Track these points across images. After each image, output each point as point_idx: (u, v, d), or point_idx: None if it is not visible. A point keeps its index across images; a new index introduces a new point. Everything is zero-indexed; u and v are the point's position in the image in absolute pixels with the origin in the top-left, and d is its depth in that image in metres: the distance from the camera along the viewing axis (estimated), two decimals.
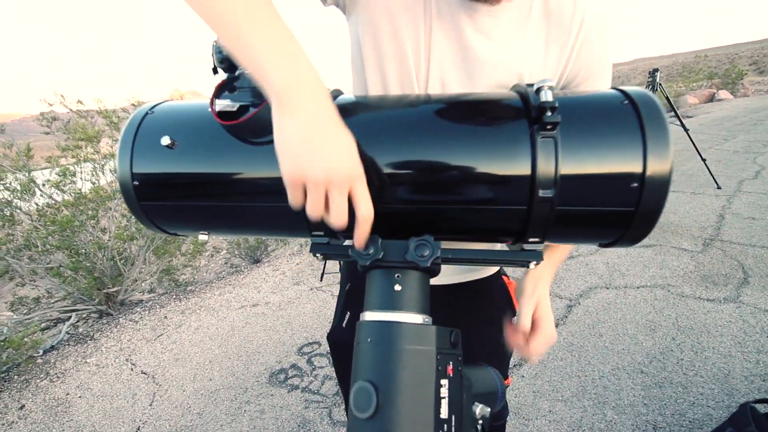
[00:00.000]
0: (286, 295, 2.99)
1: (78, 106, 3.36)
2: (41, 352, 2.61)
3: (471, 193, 0.48)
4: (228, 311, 2.84)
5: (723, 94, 14.53)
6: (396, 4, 0.64)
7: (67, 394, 2.17)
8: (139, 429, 1.86)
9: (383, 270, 0.49)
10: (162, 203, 0.55)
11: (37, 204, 3.24)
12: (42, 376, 2.35)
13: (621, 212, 0.47)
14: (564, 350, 2.05)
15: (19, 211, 3.19)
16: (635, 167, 0.45)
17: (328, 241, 0.53)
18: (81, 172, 3.25)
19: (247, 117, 0.47)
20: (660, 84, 4.04)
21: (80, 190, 3.19)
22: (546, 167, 0.45)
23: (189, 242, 3.85)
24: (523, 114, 0.47)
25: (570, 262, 2.98)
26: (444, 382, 0.48)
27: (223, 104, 0.50)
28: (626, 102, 0.48)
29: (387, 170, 0.48)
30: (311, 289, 3.01)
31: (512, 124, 0.47)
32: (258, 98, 0.49)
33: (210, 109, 0.50)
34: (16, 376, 2.35)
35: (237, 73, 0.51)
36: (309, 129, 0.43)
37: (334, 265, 2.70)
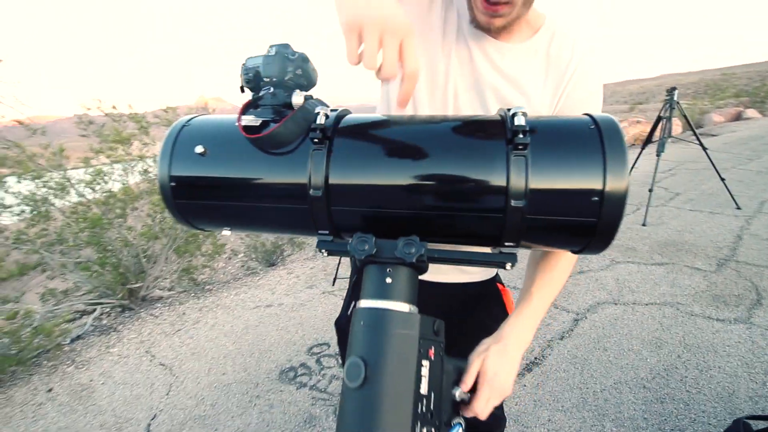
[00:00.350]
0: (299, 297, 3.08)
1: (111, 111, 3.58)
2: (68, 340, 2.77)
3: (454, 201, 0.57)
4: (243, 310, 2.95)
5: (751, 112, 14.15)
6: (429, 36, 0.77)
7: (91, 380, 2.30)
8: (155, 416, 1.97)
9: (377, 265, 0.58)
10: (194, 202, 0.65)
11: (69, 201, 3.44)
12: (68, 362, 2.50)
13: (584, 223, 0.54)
14: (567, 362, 2.08)
15: (53, 207, 3.40)
16: (596, 184, 0.52)
17: (332, 239, 0.62)
18: (112, 173, 3.45)
19: (268, 132, 0.57)
20: (678, 102, 4.03)
21: (110, 189, 3.38)
22: (517, 181, 0.52)
23: (209, 243, 4.01)
24: (502, 135, 0.55)
25: (579, 277, 3.00)
26: (425, 363, 0.56)
27: (248, 120, 0.59)
28: (593, 127, 0.56)
29: (382, 180, 0.57)
30: (323, 293, 3.10)
31: (491, 143, 0.56)
32: (278, 115, 0.59)
33: (237, 124, 0.59)
34: (45, 362, 2.51)
35: (261, 93, 0.61)
36: None
37: (345, 271, 2.79)
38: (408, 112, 0.83)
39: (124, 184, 3.44)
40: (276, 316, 2.82)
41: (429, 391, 0.55)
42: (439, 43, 0.79)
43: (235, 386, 2.13)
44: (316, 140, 0.56)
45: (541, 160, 0.53)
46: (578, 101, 0.78)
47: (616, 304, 2.59)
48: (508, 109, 0.57)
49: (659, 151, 4.00)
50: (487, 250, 0.79)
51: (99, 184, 3.42)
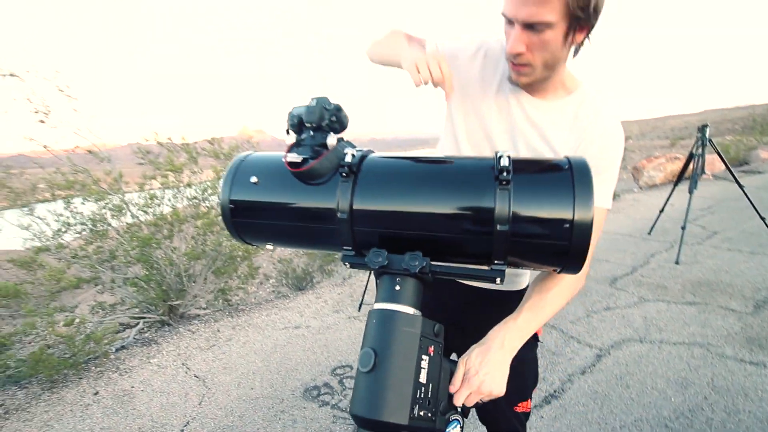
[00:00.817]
0: (326, 321, 3.21)
1: (166, 141, 3.98)
2: (114, 349, 3.01)
3: (452, 225, 0.70)
4: (272, 330, 3.11)
5: None
6: (468, 84, 0.99)
7: (132, 387, 2.49)
8: (188, 423, 2.12)
9: (389, 275, 0.71)
10: (247, 221, 0.81)
11: (124, 222, 3.79)
12: (113, 369, 2.71)
13: (558, 245, 0.66)
14: (587, 397, 2.07)
15: (110, 227, 3.76)
16: (567, 214, 0.64)
17: (354, 254, 0.76)
18: (163, 197, 3.79)
19: (307, 167, 0.73)
20: (710, 140, 4.00)
21: (161, 212, 3.71)
22: (502, 210, 0.65)
23: (244, 265, 4.24)
24: (491, 173, 0.69)
25: (605, 313, 2.96)
26: (425, 357, 0.68)
27: (292, 157, 0.75)
28: (567, 167, 0.69)
29: (395, 207, 0.71)
30: (349, 318, 3.22)
31: (483, 180, 0.69)
32: (315, 154, 0.75)
33: (283, 160, 0.75)
34: (93, 367, 2.74)
35: (303, 135, 0.77)
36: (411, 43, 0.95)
37: (370, 297, 2.90)
38: (450, 146, 1.04)
39: (173, 207, 3.76)
40: (303, 337, 2.95)
41: (427, 381, 0.67)
42: (478, 91, 0.98)
43: (261, 401, 2.25)
44: (344, 174, 0.71)
45: (523, 193, 0.66)
46: (592, 157, 0.86)
47: (641, 342, 2.55)
48: (497, 152, 0.70)
49: (691, 189, 3.95)
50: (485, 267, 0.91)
51: (151, 207, 3.76)
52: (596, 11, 0.78)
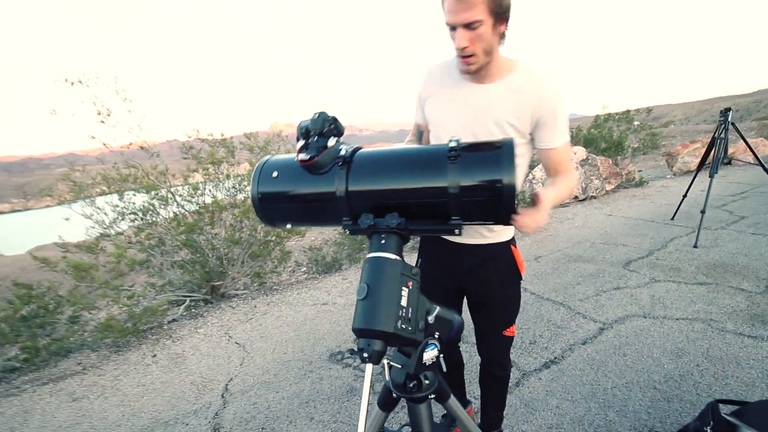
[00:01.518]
0: (350, 299, 3.51)
1: (207, 137, 4.38)
2: (166, 322, 3.44)
3: (420, 194, 0.95)
4: (303, 306, 3.44)
5: None
6: (437, 89, 1.31)
7: (184, 351, 2.89)
8: (231, 379, 2.48)
9: (377, 234, 0.97)
10: (272, 207, 1.08)
11: (172, 211, 4.22)
12: (167, 337, 3.13)
13: (494, 200, 0.91)
14: (584, 363, 2.26)
15: (159, 216, 4.21)
16: (498, 177, 0.89)
17: (351, 222, 1.02)
18: (205, 188, 4.20)
19: (313, 161, 0.99)
20: (732, 123, 3.97)
21: (204, 202, 4.12)
22: (453, 179, 0.90)
23: (277, 250, 4.61)
24: (446, 154, 0.93)
25: (614, 292, 3.10)
26: (404, 288, 0.93)
27: (302, 156, 1.02)
28: (499, 146, 0.93)
29: (378, 186, 0.97)
30: None
31: (440, 158, 0.93)
32: (318, 152, 1.01)
33: (296, 158, 1.02)
34: (150, 335, 3.17)
35: (309, 140, 1.03)
36: None
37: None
38: (435, 130, 1.36)
39: (213, 197, 4.16)
40: (330, 312, 3.27)
41: (407, 305, 0.93)
42: (437, 103, 1.31)
43: (293, 363, 2.58)
44: (340, 163, 0.98)
45: (467, 166, 0.91)
46: (547, 112, 1.20)
47: (645, 317, 2.69)
48: (450, 138, 0.95)
49: (712, 173, 3.95)
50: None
51: (194, 197, 4.18)
52: (508, 9, 1.11)
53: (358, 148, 1.04)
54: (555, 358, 2.35)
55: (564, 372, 2.21)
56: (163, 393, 2.42)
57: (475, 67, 1.16)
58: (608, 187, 6.71)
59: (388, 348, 0.95)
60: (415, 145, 1.23)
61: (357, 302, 0.93)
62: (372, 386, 0.97)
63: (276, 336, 2.96)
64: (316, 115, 0.99)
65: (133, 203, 4.18)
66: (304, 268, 5.95)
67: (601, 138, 7.47)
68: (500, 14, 1.09)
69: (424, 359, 1.01)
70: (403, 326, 0.91)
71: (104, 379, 2.64)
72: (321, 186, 1.00)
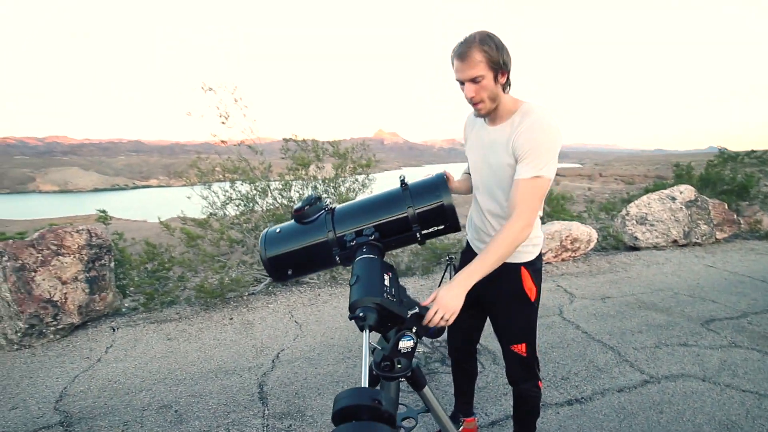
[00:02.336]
0: None
1: (300, 140, 5.03)
2: (246, 294, 4.06)
3: (389, 222, 1.23)
4: None
5: None
6: (470, 144, 1.57)
7: (254, 319, 3.43)
8: (283, 349, 2.90)
9: (360, 247, 1.25)
10: (281, 263, 1.38)
11: (268, 201, 4.92)
12: (244, 306, 3.72)
13: (440, 213, 1.20)
14: (611, 409, 2.19)
15: (257, 204, 4.94)
16: (443, 199, 1.17)
17: (340, 251, 1.31)
18: (294, 185, 4.82)
19: (301, 211, 1.33)
20: None
21: (291, 196, 4.74)
22: (411, 205, 1.18)
23: None
24: (401, 187, 1.24)
25: (677, 348, 2.85)
26: (386, 275, 1.18)
27: (295, 207, 1.37)
28: (435, 177, 1.23)
29: (358, 224, 1.28)
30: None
31: (398, 190, 1.24)
32: (304, 205, 1.34)
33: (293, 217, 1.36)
34: (232, 302, 3.80)
35: (302, 205, 1.36)
36: None
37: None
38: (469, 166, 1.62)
39: (299, 193, 4.76)
40: None
41: (390, 286, 1.17)
42: (470, 142, 1.57)
43: (336, 347, 2.92)
44: (326, 210, 1.33)
45: (416, 192, 1.26)
46: (520, 145, 1.34)
47: (704, 380, 2.46)
48: (400, 176, 1.25)
49: None
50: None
51: (287, 191, 4.82)
52: (506, 63, 1.32)
53: (337, 205, 1.40)
54: (582, 397, 2.30)
55: (585, 413, 2.17)
56: (231, 349, 2.94)
57: (484, 111, 1.37)
58: (719, 235, 5.89)
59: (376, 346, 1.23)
60: (376, 193, 1.49)
61: (350, 287, 1.20)
62: (373, 351, 1.27)
63: (329, 322, 3.34)
64: (312, 192, 1.38)
65: (239, 191, 4.97)
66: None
67: (720, 179, 6.55)
68: (498, 69, 1.30)
69: (399, 346, 1.24)
70: (389, 298, 1.14)
71: (192, 329, 3.28)
72: (315, 235, 1.34)
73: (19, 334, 2.93)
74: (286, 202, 4.80)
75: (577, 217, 6.66)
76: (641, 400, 2.27)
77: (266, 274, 4.72)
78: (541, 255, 1.59)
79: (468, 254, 1.71)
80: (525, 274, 1.52)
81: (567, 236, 4.92)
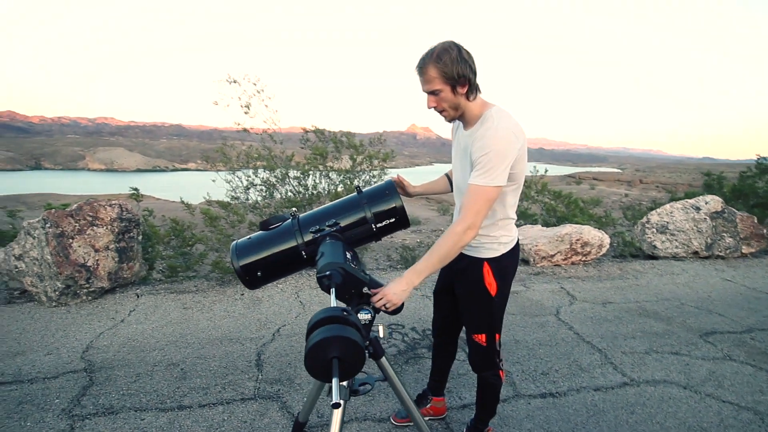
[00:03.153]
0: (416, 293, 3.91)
1: (318, 131, 5.24)
2: None
3: (346, 215, 1.42)
4: None
5: None
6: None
7: (261, 297, 3.68)
8: (284, 325, 3.13)
9: (323, 238, 1.42)
10: (252, 268, 1.53)
11: (286, 188, 5.18)
12: None
13: (396, 213, 1.37)
14: (582, 405, 2.27)
15: (276, 191, 5.21)
16: (394, 204, 1.33)
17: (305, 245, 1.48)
18: (312, 175, 5.04)
19: (266, 222, 1.52)
20: None
21: (308, 184, 4.97)
22: (368, 209, 1.36)
23: None
24: (356, 192, 1.44)
25: (669, 356, 2.87)
26: (347, 252, 1.36)
27: (264, 224, 1.55)
28: (387, 182, 1.41)
29: (325, 222, 1.44)
30: (422, 295, 3.85)
31: (353, 195, 1.42)
32: (269, 225, 1.53)
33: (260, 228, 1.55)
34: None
35: (270, 223, 1.54)
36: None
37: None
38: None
39: (315, 183, 4.98)
40: None
41: (351, 258, 1.34)
42: (454, 135, 1.67)
43: None
44: (293, 216, 1.51)
45: (370, 195, 1.43)
46: (473, 152, 1.45)
47: (685, 388, 2.48)
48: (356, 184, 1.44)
49: None
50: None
51: (303, 179, 5.06)
52: (462, 76, 1.37)
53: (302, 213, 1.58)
54: (557, 392, 2.39)
55: (556, 406, 2.26)
56: (237, 321, 3.20)
57: (449, 118, 1.52)
58: (745, 250, 5.66)
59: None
60: (337, 200, 1.65)
61: (317, 262, 1.37)
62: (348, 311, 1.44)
63: (329, 304, 3.54)
64: (289, 213, 1.57)
65: (261, 177, 5.26)
66: (390, 263, 6.51)
67: (753, 191, 6.25)
68: (455, 81, 1.39)
69: (358, 317, 1.41)
70: (351, 264, 1.32)
71: (206, 300, 3.57)
72: (283, 239, 1.50)
73: (57, 293, 3.31)
74: (302, 190, 5.04)
75: (599, 221, 6.54)
76: (615, 399, 2.34)
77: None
78: (512, 254, 1.67)
79: None
80: (487, 270, 1.62)
81: (577, 240, 4.90)
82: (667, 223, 5.68)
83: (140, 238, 3.92)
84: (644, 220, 5.93)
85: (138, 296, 3.61)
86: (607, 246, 5.12)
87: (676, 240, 5.58)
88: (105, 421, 2.03)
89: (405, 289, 1.38)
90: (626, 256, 5.68)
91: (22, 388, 2.27)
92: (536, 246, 4.90)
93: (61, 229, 3.34)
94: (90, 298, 3.46)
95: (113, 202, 3.70)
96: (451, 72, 1.36)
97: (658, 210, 5.92)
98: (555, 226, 5.54)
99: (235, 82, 4.59)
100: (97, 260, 3.46)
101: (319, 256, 1.37)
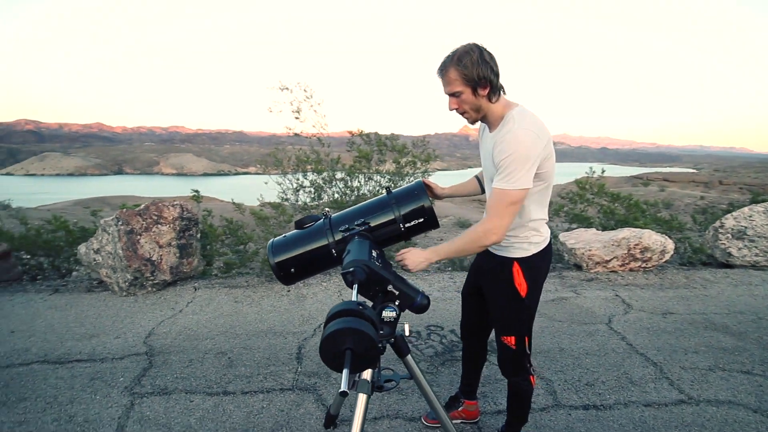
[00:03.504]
0: (446, 294, 3.88)
1: (363, 135, 5.34)
2: None
3: (376, 216, 1.44)
4: None
5: None
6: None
7: (306, 294, 3.83)
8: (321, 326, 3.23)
9: (359, 235, 1.46)
10: (287, 265, 1.61)
11: (332, 190, 5.34)
12: (301, 282, 4.13)
13: (425, 213, 1.38)
14: (630, 422, 2.12)
15: (323, 192, 5.39)
16: (423, 203, 1.35)
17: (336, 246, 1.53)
18: (358, 178, 5.16)
19: (301, 221, 1.58)
20: None
21: (353, 186, 5.09)
22: (398, 209, 1.38)
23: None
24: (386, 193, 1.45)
25: (738, 375, 2.59)
26: (373, 251, 1.39)
27: (298, 223, 1.60)
28: (417, 185, 1.43)
29: (355, 222, 1.48)
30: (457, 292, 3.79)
31: (383, 196, 1.44)
32: (303, 224, 1.58)
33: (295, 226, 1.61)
34: None
35: (304, 222, 1.60)
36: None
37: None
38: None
39: (359, 185, 5.09)
40: (445, 301, 3.72)
41: (376, 258, 1.38)
42: (481, 137, 1.65)
43: None
44: (324, 217, 1.55)
45: (402, 198, 1.45)
46: (495, 156, 1.44)
47: (755, 412, 2.23)
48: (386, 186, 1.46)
49: None
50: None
51: (350, 181, 5.19)
52: (484, 78, 1.36)
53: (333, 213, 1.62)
54: (602, 404, 2.25)
55: (599, 419, 2.13)
56: (282, 315, 3.36)
57: (471, 120, 1.50)
58: None
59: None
60: (367, 201, 1.67)
61: (343, 259, 1.43)
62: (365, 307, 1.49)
63: None
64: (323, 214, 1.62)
65: (310, 180, 5.47)
66: (438, 266, 6.48)
67: None
68: (476, 84, 1.38)
69: (383, 315, 1.43)
70: (376, 263, 1.36)
71: (255, 295, 3.78)
72: (315, 237, 1.56)
73: (126, 284, 3.67)
74: (348, 192, 5.17)
75: (664, 224, 6.01)
76: (668, 417, 2.16)
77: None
78: (544, 254, 1.63)
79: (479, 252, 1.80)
80: (517, 270, 1.58)
81: (636, 245, 4.56)
82: (746, 228, 5.11)
83: (198, 236, 4.24)
84: (717, 224, 5.38)
85: (195, 289, 3.91)
86: (671, 252, 4.71)
87: (756, 247, 5.01)
88: (159, 400, 2.23)
89: (422, 261, 1.46)
90: (695, 263, 5.20)
91: (94, 366, 2.56)
92: (590, 251, 4.63)
93: (130, 226, 3.71)
94: (154, 289, 3.81)
95: (175, 202, 4.04)
96: (471, 74, 1.36)
97: (734, 213, 5.35)
98: (612, 229, 5.20)
99: (287, 89, 4.83)
100: (161, 255, 3.80)
101: (346, 254, 1.42)
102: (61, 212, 8.78)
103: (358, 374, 1.39)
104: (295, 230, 1.64)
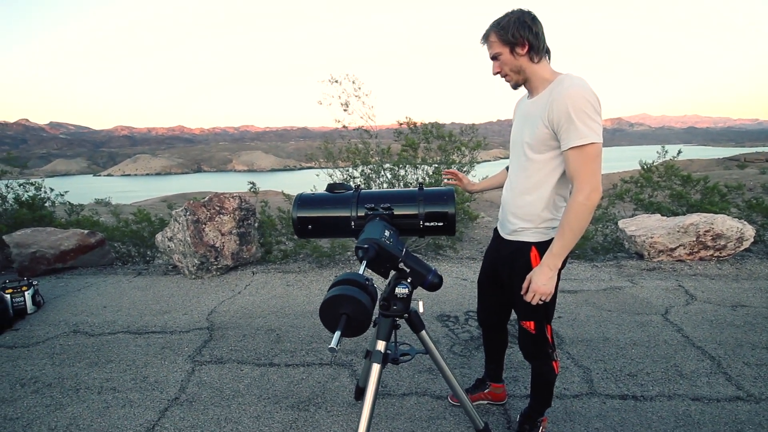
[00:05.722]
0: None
1: (410, 124, 5.38)
2: (353, 258, 4.70)
3: (404, 204, 1.52)
4: (447, 277, 4.03)
5: None
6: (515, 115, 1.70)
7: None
8: None
9: (375, 218, 1.54)
10: (307, 222, 1.70)
11: (380, 181, 5.47)
12: (348, 267, 4.35)
13: (446, 219, 1.43)
14: (671, 414, 2.00)
15: (372, 182, 5.54)
16: (447, 210, 1.40)
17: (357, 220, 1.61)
18: (379, 171, 5.23)
19: (335, 183, 1.66)
20: None
21: (400, 175, 5.18)
22: (423, 207, 1.47)
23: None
24: (417, 188, 1.50)
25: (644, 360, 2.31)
26: (387, 230, 1.48)
27: (330, 187, 1.69)
28: (447, 191, 1.46)
29: (380, 203, 1.57)
30: None
31: (414, 189, 1.50)
32: (335, 189, 1.67)
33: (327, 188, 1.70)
34: (339, 263, 4.47)
35: (336, 187, 1.69)
36: None
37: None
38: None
39: (405, 171, 5.17)
40: (463, 286, 3.75)
41: (389, 237, 1.46)
42: (516, 112, 1.69)
43: None
44: (356, 188, 1.64)
45: (429, 199, 1.51)
46: (554, 117, 1.38)
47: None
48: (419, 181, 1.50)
49: None
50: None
51: (397, 170, 5.28)
52: (520, 35, 1.39)
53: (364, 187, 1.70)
54: (641, 395, 2.15)
55: (637, 410, 2.04)
56: None
57: (512, 83, 1.53)
58: None
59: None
60: (397, 188, 1.75)
61: (359, 235, 1.54)
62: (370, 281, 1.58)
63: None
64: (354, 185, 1.70)
65: (360, 170, 5.65)
66: (468, 252, 6.40)
67: None
68: (513, 43, 1.41)
69: (396, 292, 1.52)
70: (387, 242, 1.44)
71: (305, 280, 4.05)
72: (341, 205, 1.63)
73: (194, 268, 4.12)
74: (395, 182, 5.27)
75: (746, 208, 5.35)
76: (718, 413, 2.01)
77: None
78: None
79: (494, 238, 1.81)
80: (535, 255, 1.56)
81: (707, 231, 4.15)
82: None
83: (256, 225, 4.61)
84: None
85: (253, 273, 4.28)
86: (750, 239, 4.22)
87: None
88: (215, 368, 2.53)
89: (550, 275, 1.44)
90: None
91: (165, 338, 2.95)
92: (651, 238, 4.30)
93: (197, 216, 4.14)
94: (218, 273, 4.23)
95: (235, 194, 4.42)
96: (506, 34, 1.40)
97: None
98: (676, 216, 4.76)
99: (336, 81, 5.02)
100: (223, 242, 4.20)
101: (362, 231, 1.52)
102: (150, 207, 9.95)
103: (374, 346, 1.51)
104: (325, 191, 1.70)
